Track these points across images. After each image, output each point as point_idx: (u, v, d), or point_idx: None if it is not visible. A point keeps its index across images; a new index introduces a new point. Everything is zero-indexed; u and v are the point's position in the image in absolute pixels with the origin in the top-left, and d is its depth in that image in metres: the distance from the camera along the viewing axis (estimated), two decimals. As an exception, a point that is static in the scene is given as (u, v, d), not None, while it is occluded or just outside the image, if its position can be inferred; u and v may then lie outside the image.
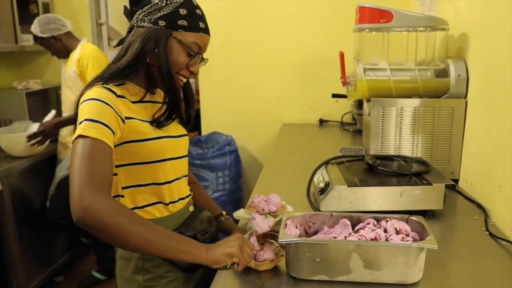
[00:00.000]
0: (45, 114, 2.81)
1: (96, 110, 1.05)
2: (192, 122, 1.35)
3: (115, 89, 1.13)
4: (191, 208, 1.31)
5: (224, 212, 1.44)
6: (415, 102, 1.87)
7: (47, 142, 2.75)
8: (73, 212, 0.93)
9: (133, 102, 1.16)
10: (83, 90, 1.14)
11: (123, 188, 1.17)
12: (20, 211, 2.63)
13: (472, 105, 1.80)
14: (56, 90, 3.41)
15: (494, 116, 1.56)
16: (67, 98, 2.76)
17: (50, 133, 2.68)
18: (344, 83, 2.02)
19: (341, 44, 2.28)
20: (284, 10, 3.11)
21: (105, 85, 1.13)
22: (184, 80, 1.22)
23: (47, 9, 3.52)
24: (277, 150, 2.52)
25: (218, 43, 3.08)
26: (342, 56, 2.03)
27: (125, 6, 1.22)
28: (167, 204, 1.22)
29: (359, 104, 2.57)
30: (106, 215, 0.93)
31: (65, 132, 2.77)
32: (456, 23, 1.96)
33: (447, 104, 1.85)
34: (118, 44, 1.22)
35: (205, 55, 1.25)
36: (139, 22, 1.17)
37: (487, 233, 1.40)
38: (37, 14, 3.37)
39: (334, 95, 2.85)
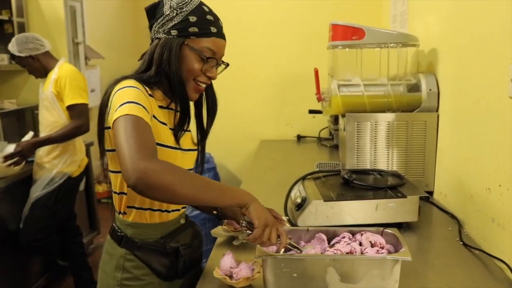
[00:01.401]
0: (21, 135, 2.77)
1: (136, 95, 1.09)
2: (206, 137, 1.37)
3: (147, 88, 1.17)
4: (182, 221, 1.32)
5: None
6: (388, 116, 1.91)
7: (24, 163, 2.71)
8: (129, 176, 0.96)
9: (159, 107, 1.20)
10: (119, 79, 1.17)
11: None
12: (-6, 233, 2.57)
13: (443, 118, 1.84)
14: (32, 110, 3.37)
15: (464, 129, 1.61)
16: (45, 119, 2.73)
17: (27, 153, 2.64)
18: (319, 99, 2.06)
19: (316, 61, 2.32)
20: (259, 28, 3.16)
21: (140, 82, 1.17)
22: (203, 85, 1.24)
23: (22, 28, 3.50)
24: (255, 166, 2.53)
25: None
26: (316, 72, 2.06)
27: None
28: (163, 211, 1.24)
29: (336, 119, 2.61)
30: (163, 173, 0.97)
31: (41, 152, 2.73)
32: (426, 39, 2.02)
33: (420, 118, 1.90)
34: (141, 58, 1.25)
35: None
36: (155, 34, 1.21)
37: (461, 243, 1.43)
38: (12, 34, 3.34)
39: (310, 111, 2.88)
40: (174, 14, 1.19)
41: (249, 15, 3.15)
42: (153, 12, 1.23)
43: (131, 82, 1.14)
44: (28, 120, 3.39)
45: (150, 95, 1.17)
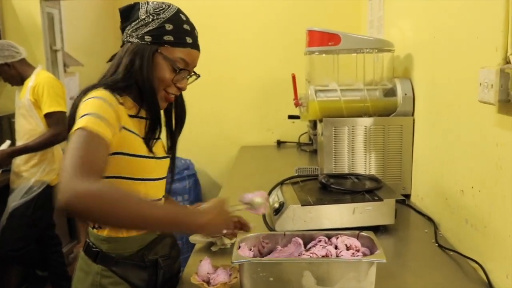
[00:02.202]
0: (-2, 144, 2.74)
1: (99, 107, 1.05)
2: (175, 146, 1.35)
3: (117, 96, 1.13)
4: (158, 231, 1.29)
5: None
6: (365, 121, 1.93)
7: (0, 172, 2.68)
8: (60, 198, 0.89)
9: (129, 116, 1.17)
10: (86, 90, 1.13)
11: None
12: (-30, 245, 2.53)
13: (419, 122, 1.87)
14: (9, 118, 3.32)
15: (438, 133, 1.64)
16: (21, 127, 2.70)
17: (3, 163, 2.61)
18: (297, 105, 2.07)
19: (295, 67, 2.33)
20: (238, 35, 3.17)
21: (109, 90, 1.13)
22: (173, 97, 1.22)
23: (-2, 36, 3.45)
24: (235, 172, 2.53)
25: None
26: (294, 78, 2.08)
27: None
28: None
29: (315, 124, 2.62)
30: (91, 199, 0.90)
31: (18, 161, 2.69)
32: (401, 44, 2.05)
33: (396, 122, 1.92)
34: (110, 60, 1.23)
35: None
36: (128, 38, 1.17)
37: (437, 244, 1.45)
38: (-12, 42, 3.30)
39: (290, 117, 2.90)
40: (150, 19, 1.15)
41: (228, 22, 3.17)
42: (127, 14, 1.20)
43: (98, 92, 1.11)
44: (5, 128, 3.34)
45: (120, 103, 1.13)
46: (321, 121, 1.96)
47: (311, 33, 2.01)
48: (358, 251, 1.16)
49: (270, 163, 2.76)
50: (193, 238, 1.48)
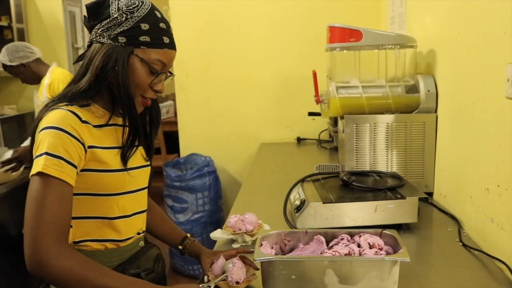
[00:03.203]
0: (21, 140, 2.78)
1: (57, 142, 0.98)
2: (153, 149, 1.25)
3: (79, 112, 1.05)
4: (141, 244, 1.23)
5: (188, 235, 1.37)
6: (387, 118, 1.90)
7: (22, 169, 2.72)
8: (27, 263, 0.93)
9: (97, 127, 1.09)
10: (45, 110, 1.06)
11: (73, 218, 1.07)
12: (-5, 239, 2.57)
13: (442, 119, 1.84)
14: (32, 115, 3.38)
15: (462, 130, 1.61)
16: (43, 124, 2.74)
17: (25, 159, 2.64)
18: (318, 101, 2.06)
19: (315, 64, 2.32)
20: (258, 32, 3.16)
21: (69, 107, 1.05)
22: (150, 101, 1.14)
23: (22, 35, 3.51)
24: (255, 169, 2.53)
25: (194, 65, 3.11)
26: (314, 74, 2.06)
27: (84, 16, 1.13)
28: (118, 241, 1.15)
29: (335, 121, 2.60)
30: (58, 274, 0.93)
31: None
32: (424, 40, 2.02)
33: (419, 119, 1.89)
34: (77, 60, 1.15)
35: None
36: (98, 38, 1.08)
37: (461, 244, 1.42)
38: (12, 40, 3.36)
39: (310, 113, 2.88)
40: (123, 18, 1.06)
41: (247, 19, 3.16)
42: (96, 11, 1.09)
43: (57, 116, 1.02)
44: (28, 125, 3.40)
45: (84, 121, 1.05)
46: (342, 118, 1.94)
47: (332, 29, 1.99)
48: (381, 249, 1.14)
49: (290, 160, 2.75)
50: (214, 235, 1.48)
